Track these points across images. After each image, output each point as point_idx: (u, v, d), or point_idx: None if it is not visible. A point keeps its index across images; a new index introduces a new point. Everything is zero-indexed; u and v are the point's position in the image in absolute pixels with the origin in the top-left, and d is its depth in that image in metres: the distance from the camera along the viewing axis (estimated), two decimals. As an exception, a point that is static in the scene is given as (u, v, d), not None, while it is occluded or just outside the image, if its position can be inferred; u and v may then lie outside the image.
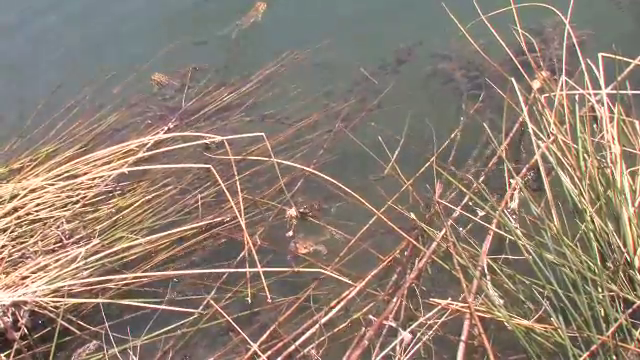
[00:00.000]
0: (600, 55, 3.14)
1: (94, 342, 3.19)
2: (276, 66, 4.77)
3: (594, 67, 3.16)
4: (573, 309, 2.57)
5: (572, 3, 3.40)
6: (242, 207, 3.30)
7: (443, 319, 2.85)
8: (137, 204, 3.82)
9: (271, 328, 3.14)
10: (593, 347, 2.47)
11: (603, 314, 2.54)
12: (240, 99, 4.57)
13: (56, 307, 3.18)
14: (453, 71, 4.42)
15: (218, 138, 3.56)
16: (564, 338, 2.49)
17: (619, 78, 3.08)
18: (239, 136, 3.69)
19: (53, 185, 3.75)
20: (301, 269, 3.34)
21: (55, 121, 4.62)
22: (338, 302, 3.17)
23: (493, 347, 2.70)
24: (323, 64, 4.71)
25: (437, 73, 4.46)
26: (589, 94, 3.11)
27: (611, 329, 2.47)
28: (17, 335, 3.06)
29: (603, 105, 3.05)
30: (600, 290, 2.57)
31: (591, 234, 2.73)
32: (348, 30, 4.94)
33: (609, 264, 2.70)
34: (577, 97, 3.17)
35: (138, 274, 3.39)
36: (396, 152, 3.73)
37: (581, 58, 3.22)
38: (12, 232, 3.55)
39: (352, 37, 4.86)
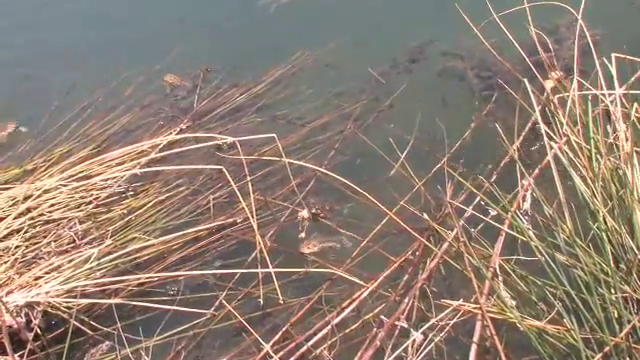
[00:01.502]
0: (613, 55, 3.12)
1: (107, 343, 3.20)
2: (288, 66, 4.78)
3: (609, 65, 3.14)
4: (586, 310, 2.55)
5: (584, 2, 3.38)
6: (254, 208, 3.30)
7: (455, 320, 2.85)
8: (150, 205, 3.83)
9: (283, 329, 3.14)
10: (606, 349, 2.46)
11: (616, 315, 2.53)
12: (252, 100, 4.59)
13: (69, 308, 3.19)
14: (465, 71, 4.41)
15: (230, 139, 3.57)
16: (577, 339, 2.48)
17: (633, 78, 3.07)
18: (251, 137, 3.70)
19: (66, 186, 3.77)
20: (313, 270, 3.34)
21: (69, 122, 4.65)
22: (350, 303, 3.17)
23: (505, 348, 2.69)
24: (334, 64, 4.71)
25: (449, 73, 4.46)
26: (602, 94, 3.09)
27: (624, 330, 2.45)
28: (30, 336, 3.07)
29: (616, 105, 3.03)
30: (613, 291, 2.56)
31: (604, 235, 2.72)
32: (359, 30, 4.94)
33: (622, 265, 2.68)
34: (590, 97, 3.15)
35: (151, 275, 3.40)
36: (404, 152, 3.72)
37: (595, 58, 3.20)
38: (26, 233, 3.57)
39: (364, 37, 4.86)
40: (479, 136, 3.91)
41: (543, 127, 3.01)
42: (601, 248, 2.69)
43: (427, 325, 2.85)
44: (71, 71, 5.11)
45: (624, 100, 3.02)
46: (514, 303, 2.78)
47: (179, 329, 3.19)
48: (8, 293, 3.17)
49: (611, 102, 3.06)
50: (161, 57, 5.07)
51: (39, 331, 3.14)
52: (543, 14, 3.56)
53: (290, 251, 3.49)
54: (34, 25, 5.65)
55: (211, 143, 3.94)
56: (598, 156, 2.91)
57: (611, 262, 2.64)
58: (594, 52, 3.21)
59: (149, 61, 5.05)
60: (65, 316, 3.19)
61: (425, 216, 3.35)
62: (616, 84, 3.06)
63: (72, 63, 5.17)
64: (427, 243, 3.30)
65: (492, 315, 2.76)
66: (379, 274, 3.27)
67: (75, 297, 3.18)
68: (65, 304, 3.19)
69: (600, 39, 3.94)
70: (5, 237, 3.53)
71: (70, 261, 3.34)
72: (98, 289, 3.31)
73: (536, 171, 3.48)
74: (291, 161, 3.57)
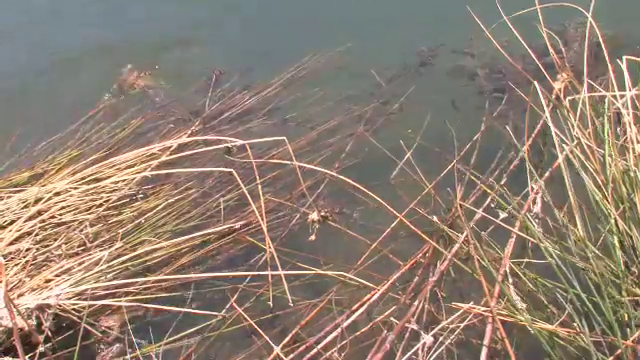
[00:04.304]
0: (625, 57, 3.10)
1: (117, 345, 3.21)
2: (298, 69, 4.78)
3: (623, 67, 3.13)
4: (597, 313, 2.55)
5: (594, 3, 3.37)
6: (264, 211, 3.30)
7: (465, 323, 2.84)
8: (160, 207, 3.83)
9: (293, 331, 3.14)
10: (617, 352, 2.45)
11: (627, 318, 2.52)
12: (262, 102, 4.59)
13: (79, 310, 3.20)
14: (476, 74, 4.40)
15: (240, 142, 3.57)
16: (588, 343, 2.47)
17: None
18: (261, 140, 3.70)
19: (77, 188, 3.78)
20: (323, 272, 3.33)
21: (80, 125, 4.66)
22: (360, 305, 3.17)
23: (516, 351, 2.69)
24: (345, 67, 4.72)
25: (460, 75, 4.45)
26: (614, 96, 3.08)
27: (635, 334, 2.44)
28: (41, 338, 3.07)
29: (627, 107, 3.01)
30: (624, 294, 2.54)
31: (615, 238, 2.71)
32: (370, 32, 4.94)
33: (633, 268, 2.67)
34: (600, 99, 3.14)
35: (161, 277, 3.41)
36: (414, 156, 3.71)
37: (607, 59, 3.19)
38: (37, 235, 3.58)
39: (374, 39, 4.86)
40: (489, 138, 3.90)
41: (553, 129, 3.01)
42: (612, 251, 2.68)
43: (437, 328, 2.85)
44: (82, 73, 5.14)
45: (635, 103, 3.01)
46: (524, 306, 2.77)
47: (189, 331, 3.20)
48: (19, 296, 3.18)
49: (622, 104, 3.05)
50: (173, 60, 5.09)
51: (50, 334, 3.15)
52: (553, 15, 3.55)
53: (300, 253, 3.49)
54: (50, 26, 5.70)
55: (221, 146, 3.95)
56: (609, 158, 2.90)
57: (622, 265, 2.63)
58: (605, 53, 3.20)
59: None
60: (75, 318, 3.20)
61: (435, 218, 3.34)
62: (627, 86, 3.05)
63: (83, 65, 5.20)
64: (437, 246, 3.29)
65: (502, 318, 2.76)
66: (389, 277, 3.26)
67: (86, 299, 3.19)
68: (76, 306, 3.20)
69: (611, 40, 3.92)
70: (16, 240, 3.54)
71: (81, 264, 3.35)
72: (108, 292, 3.32)
73: (547, 173, 3.46)
74: (301, 164, 3.57)
